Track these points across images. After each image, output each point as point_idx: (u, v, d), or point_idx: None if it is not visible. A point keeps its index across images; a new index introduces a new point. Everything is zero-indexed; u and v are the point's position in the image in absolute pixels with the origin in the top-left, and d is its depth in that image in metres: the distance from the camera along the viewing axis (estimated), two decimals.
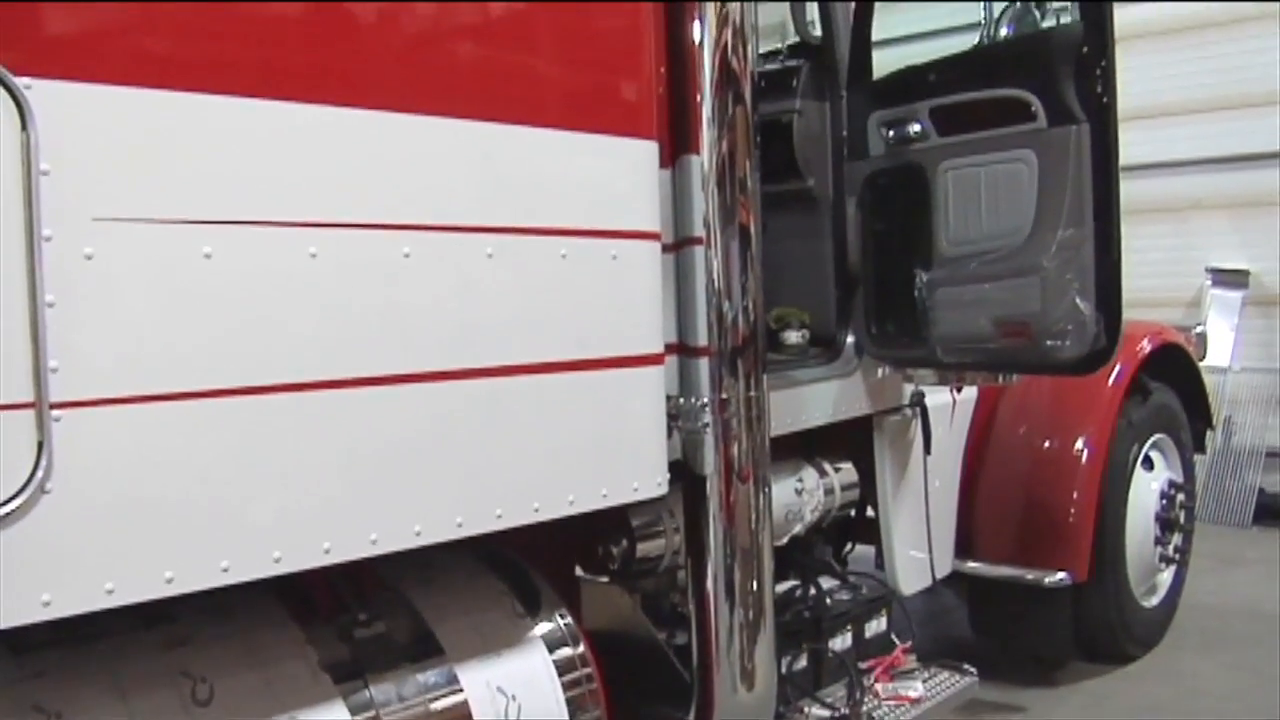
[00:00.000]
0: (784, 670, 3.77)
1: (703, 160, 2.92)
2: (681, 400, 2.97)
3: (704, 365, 2.95)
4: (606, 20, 2.70)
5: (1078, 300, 3.37)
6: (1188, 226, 9.11)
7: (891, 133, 3.87)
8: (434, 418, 2.35)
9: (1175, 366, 5.78)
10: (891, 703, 4.05)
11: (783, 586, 4.05)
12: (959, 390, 4.72)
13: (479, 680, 2.68)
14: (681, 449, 3.00)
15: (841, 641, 4.12)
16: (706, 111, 2.92)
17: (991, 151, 3.59)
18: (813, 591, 4.16)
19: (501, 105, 2.45)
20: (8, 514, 1.78)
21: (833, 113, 4.24)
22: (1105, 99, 3.31)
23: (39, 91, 1.81)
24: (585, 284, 2.62)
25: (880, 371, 4.18)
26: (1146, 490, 5.48)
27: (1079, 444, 5.06)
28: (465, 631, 2.76)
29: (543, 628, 2.89)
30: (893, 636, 4.34)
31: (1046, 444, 5.11)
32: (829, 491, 4.20)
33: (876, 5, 4.03)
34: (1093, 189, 3.34)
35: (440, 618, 2.75)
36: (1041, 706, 5.05)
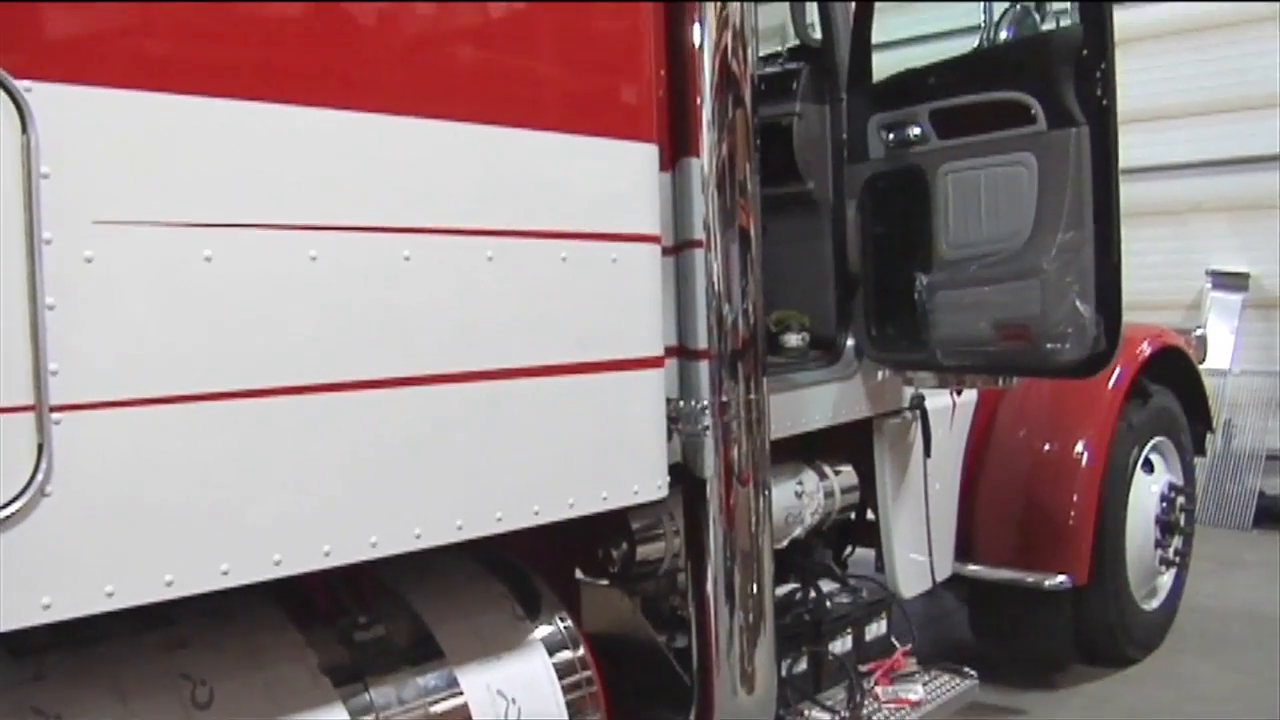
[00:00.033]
0: (784, 673, 3.77)
1: (703, 163, 2.92)
2: (681, 403, 2.97)
3: (704, 368, 2.95)
4: (606, 23, 2.71)
5: (1078, 303, 3.37)
6: (1188, 229, 9.10)
7: (891, 135, 3.87)
8: (434, 420, 2.35)
9: (1175, 369, 5.78)
10: (892, 706, 4.05)
11: (783, 589, 4.04)
12: (959, 393, 4.72)
13: (479, 683, 2.68)
14: (681, 452, 3.00)
15: (841, 644, 4.12)
16: (706, 114, 2.92)
17: (991, 154, 3.59)
18: (813, 594, 4.15)
19: (502, 108, 2.45)
20: (8, 517, 1.78)
21: (833, 115, 4.24)
22: (1105, 102, 3.32)
23: (39, 94, 1.81)
24: (585, 287, 2.62)
25: (880, 374, 4.18)
26: (1146, 493, 5.48)
27: (1079, 447, 5.06)
28: (465, 634, 2.75)
29: (543, 631, 2.89)
30: (893, 639, 4.34)
31: (1046, 447, 5.11)
32: (829, 494, 4.20)
33: (876, 8, 4.03)
34: (1093, 192, 3.34)
35: (440, 621, 2.75)
36: (1042, 709, 5.05)
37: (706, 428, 2.96)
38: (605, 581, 3.49)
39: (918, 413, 4.37)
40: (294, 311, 2.12)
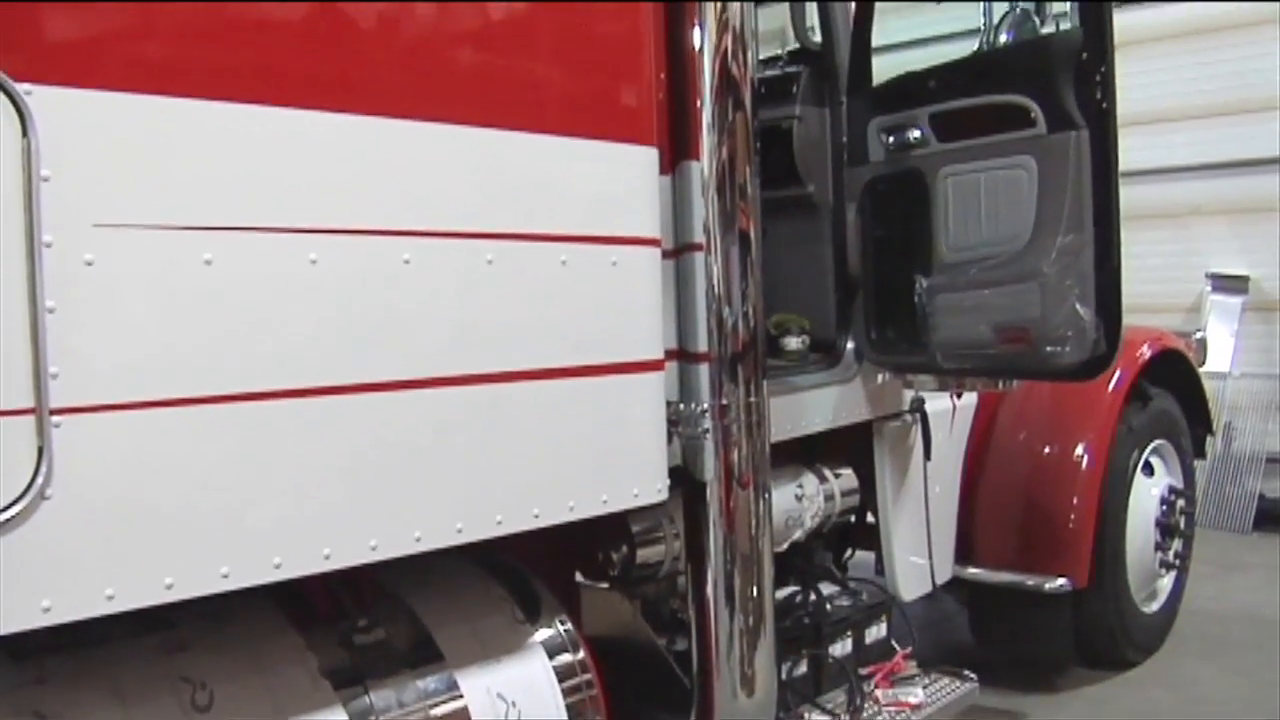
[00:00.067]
0: (784, 676, 3.77)
1: (703, 166, 2.93)
2: (682, 406, 2.97)
3: (704, 371, 2.95)
4: (606, 26, 2.71)
5: (1078, 306, 3.37)
6: (1187, 232, 9.10)
7: (891, 139, 3.87)
8: (434, 423, 2.35)
9: (1175, 372, 5.78)
10: (892, 709, 4.05)
11: (783, 592, 4.05)
12: (959, 396, 4.72)
13: (479, 686, 2.68)
14: (682, 455, 3.00)
15: (842, 647, 4.12)
16: (706, 117, 2.93)
17: (991, 157, 3.59)
18: (813, 597, 4.16)
19: (502, 111, 2.45)
20: (8, 520, 1.78)
21: (833, 118, 4.25)
22: (1105, 105, 3.32)
23: (39, 97, 1.81)
24: (585, 290, 2.62)
25: (880, 377, 4.18)
26: (1147, 496, 5.48)
27: (1079, 450, 5.06)
28: (465, 638, 2.76)
29: (543, 634, 2.89)
30: (893, 642, 4.34)
31: (1046, 450, 5.11)
32: (829, 497, 4.20)
33: (876, 11, 4.03)
34: (1092, 195, 3.34)
35: (440, 624, 2.75)
36: (1042, 712, 5.05)
37: (706, 431, 2.96)
38: (605, 584, 3.49)
39: (918, 416, 4.37)
40: (293, 314, 2.13)
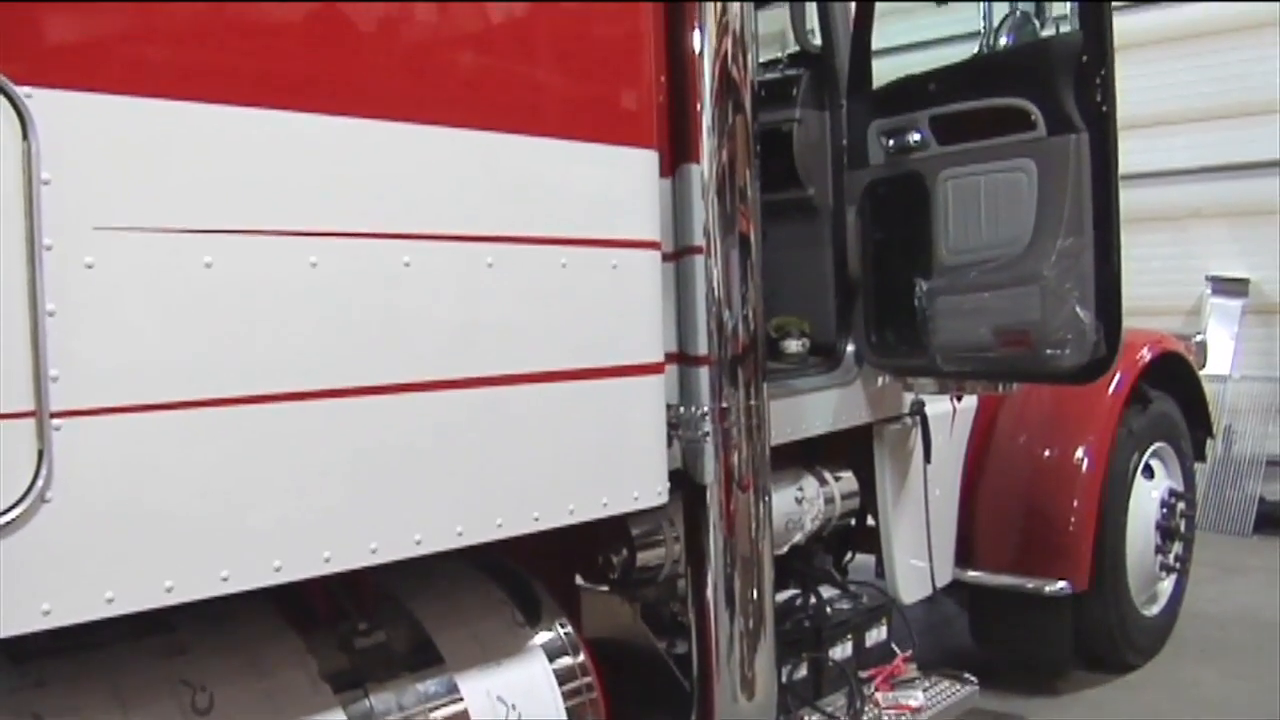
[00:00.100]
0: (784, 679, 3.77)
1: (703, 169, 2.93)
2: (682, 409, 2.97)
3: (704, 374, 2.96)
4: (607, 29, 2.71)
5: (1078, 309, 3.37)
6: (1187, 235, 9.10)
7: (891, 142, 3.88)
8: (434, 427, 2.35)
9: (1175, 375, 5.78)
10: (892, 712, 4.05)
11: (783, 595, 4.05)
12: (959, 399, 4.72)
13: (479, 689, 2.68)
14: (682, 458, 3.00)
15: (842, 650, 4.12)
16: (706, 120, 2.93)
17: (991, 160, 3.59)
18: (813, 600, 4.16)
19: (502, 114, 2.46)
20: (8, 523, 1.78)
21: (833, 121, 4.25)
22: (1105, 108, 3.32)
23: (40, 101, 1.81)
24: (585, 293, 2.62)
25: (880, 380, 4.18)
26: (1147, 499, 5.48)
27: (1079, 453, 5.06)
28: (465, 641, 2.75)
29: (543, 637, 2.89)
30: (893, 645, 4.34)
31: (1046, 453, 5.11)
32: (829, 500, 4.20)
33: (876, 14, 4.03)
34: (1092, 198, 3.34)
35: (440, 627, 2.75)
36: (1042, 715, 5.04)
37: (707, 434, 2.96)
38: (605, 587, 3.49)
39: (918, 419, 4.37)
40: (293, 317, 2.13)
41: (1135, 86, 7.80)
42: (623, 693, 3.03)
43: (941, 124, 3.74)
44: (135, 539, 1.93)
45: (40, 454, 1.81)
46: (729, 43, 2.94)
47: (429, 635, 2.72)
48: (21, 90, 1.79)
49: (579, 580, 3.57)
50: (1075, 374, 3.51)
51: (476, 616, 2.84)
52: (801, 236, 4.37)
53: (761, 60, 4.52)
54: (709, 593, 3.04)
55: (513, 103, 2.49)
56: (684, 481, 3.01)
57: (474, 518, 2.42)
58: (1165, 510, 5.54)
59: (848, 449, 4.28)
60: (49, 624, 1.84)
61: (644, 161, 2.77)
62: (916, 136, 3.80)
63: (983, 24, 4.08)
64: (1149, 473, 5.56)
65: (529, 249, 2.51)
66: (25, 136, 1.79)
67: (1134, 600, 5.40)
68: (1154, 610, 5.66)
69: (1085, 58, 3.34)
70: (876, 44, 4.07)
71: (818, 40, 4.49)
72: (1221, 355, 8.64)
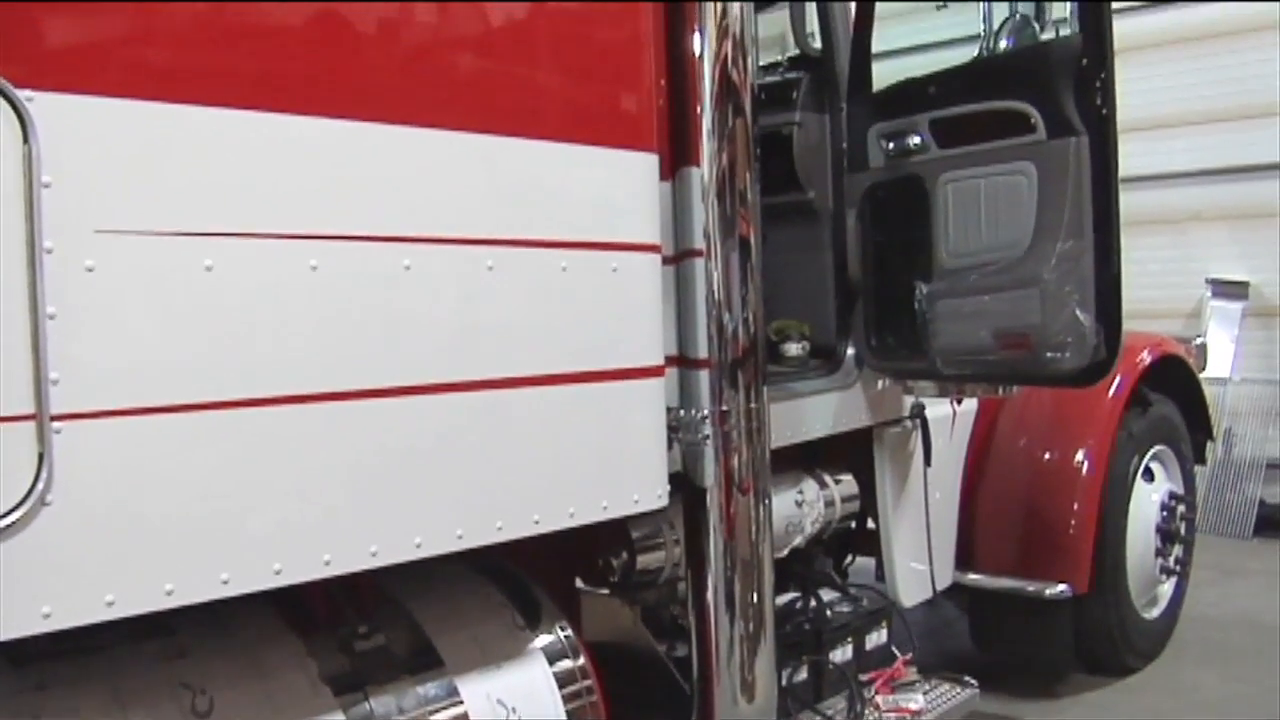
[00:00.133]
0: (784, 682, 3.76)
1: (703, 172, 2.93)
2: (682, 412, 2.97)
3: (704, 377, 2.96)
4: (607, 32, 2.71)
5: (1078, 312, 3.37)
6: (1187, 238, 9.11)
7: (891, 145, 3.87)
8: (434, 430, 2.35)
9: (1175, 378, 5.78)
10: (892, 715, 4.05)
11: (783, 598, 4.04)
12: (959, 402, 4.72)
13: (479, 692, 2.68)
14: (682, 461, 3.00)
15: (842, 653, 4.11)
16: (707, 123, 2.93)
17: (991, 163, 3.59)
18: (813, 603, 4.16)
19: (502, 117, 2.46)
20: (8, 526, 1.78)
21: (833, 125, 4.25)
22: (1105, 111, 3.32)
23: (41, 104, 1.81)
24: (586, 296, 2.62)
25: (880, 383, 4.18)
26: (1147, 502, 5.48)
27: (1079, 456, 5.06)
28: (465, 643, 2.75)
29: (543, 640, 2.89)
30: (893, 648, 4.34)
31: (1047, 456, 5.11)
32: (829, 503, 4.20)
33: (876, 18, 4.03)
34: (1092, 201, 3.34)
35: (440, 630, 2.75)
36: (1042, 718, 5.05)
37: (707, 437, 2.96)
38: (605, 590, 3.49)
39: (918, 422, 4.37)
40: (294, 320, 2.13)
41: (1135, 89, 7.81)
42: (623, 696, 3.03)
43: (941, 127, 3.74)
44: (135, 542, 1.93)
45: (40, 457, 1.81)
46: (729, 46, 2.94)
47: (429, 638, 2.72)
48: (22, 93, 1.79)
49: (579, 583, 3.57)
50: (1075, 377, 3.51)
51: (477, 619, 2.84)
52: (801, 239, 4.37)
53: (762, 63, 4.52)
54: (709, 596, 3.04)
55: (513, 106, 2.50)
56: (684, 484, 3.01)
57: (474, 520, 2.42)
58: (1165, 513, 5.55)
59: (848, 452, 4.28)
60: (49, 627, 1.84)
61: (644, 164, 2.77)
62: (916, 139, 3.79)
63: (983, 27, 4.08)
64: (1149, 476, 5.56)
65: (529, 252, 2.51)
66: (26, 139, 1.79)
67: (1134, 603, 5.40)
68: (1154, 613, 5.66)
69: (1085, 61, 3.34)
70: (876, 47, 4.07)
71: (818, 43, 4.49)
72: (1222, 358, 8.64)
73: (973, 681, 4.35)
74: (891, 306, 3.95)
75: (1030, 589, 4.95)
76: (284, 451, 2.12)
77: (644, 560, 3.33)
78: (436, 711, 2.61)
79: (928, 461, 4.41)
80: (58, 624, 1.85)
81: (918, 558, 4.50)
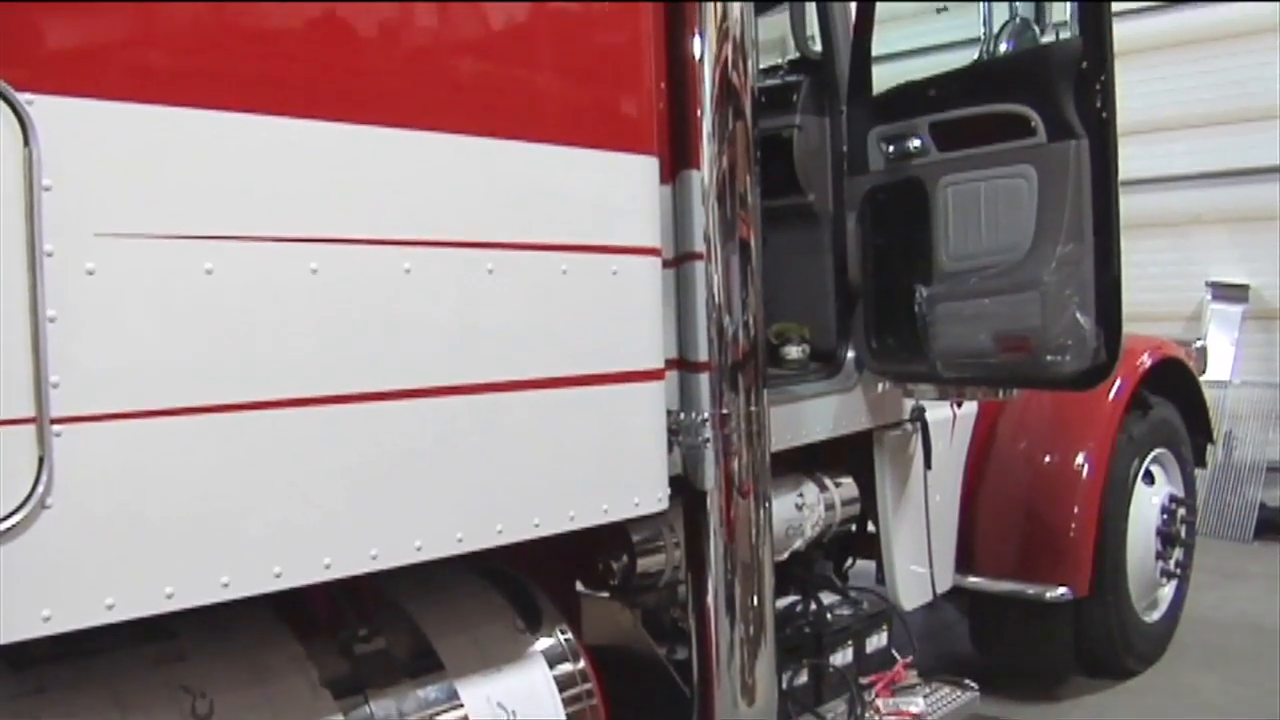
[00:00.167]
0: (784, 685, 3.76)
1: (703, 175, 2.93)
2: (682, 415, 2.97)
3: (704, 380, 2.95)
4: (607, 35, 2.71)
5: (1078, 315, 3.37)
6: (1187, 241, 9.12)
7: (891, 148, 3.88)
8: (435, 433, 2.35)
9: (1176, 381, 5.78)
10: (893, 718, 4.04)
11: (783, 602, 4.04)
12: (959, 405, 4.72)
13: (479, 696, 2.68)
14: (682, 464, 3.00)
15: (842, 657, 4.11)
16: (707, 127, 2.93)
17: (991, 166, 3.59)
18: (813, 607, 4.15)
19: (502, 120, 2.46)
20: (8, 529, 1.78)
21: (833, 128, 4.25)
22: (1105, 114, 3.32)
23: (41, 107, 1.81)
24: (586, 299, 2.62)
25: (880, 386, 4.18)
26: (1147, 505, 5.47)
27: (1079, 459, 5.06)
28: (465, 647, 2.75)
29: (543, 643, 2.89)
30: (893, 651, 4.33)
31: (1047, 459, 5.11)
32: (829, 506, 4.20)
33: (876, 21, 4.03)
34: (1092, 204, 3.34)
35: (440, 633, 2.75)
36: None
37: (707, 440, 2.96)
38: (605, 594, 3.49)
39: (918, 425, 4.37)
40: (294, 324, 2.13)
41: (1135, 92, 7.83)
42: (623, 699, 3.03)
43: (942, 130, 3.74)
44: (135, 545, 1.93)
45: (41, 460, 1.81)
46: (729, 49, 2.94)
47: (429, 641, 2.72)
48: (23, 97, 1.80)
49: (579, 586, 3.57)
50: (1075, 380, 3.50)
51: (477, 622, 2.84)
52: (802, 242, 4.37)
53: (762, 66, 4.52)
54: (709, 599, 3.04)
55: (513, 109, 2.50)
56: (684, 487, 3.01)
57: (474, 524, 2.42)
58: (1166, 516, 5.54)
59: (848, 455, 4.28)
60: (49, 630, 1.84)
61: (644, 167, 2.77)
62: (916, 142, 3.80)
63: (983, 30, 4.08)
64: (1149, 478, 5.56)
65: (529, 255, 2.51)
66: (26, 143, 1.80)
67: (1134, 606, 5.40)
68: (1154, 616, 5.66)
69: (1085, 64, 3.34)
70: (877, 50, 4.07)
71: (818, 46, 4.49)
72: (1222, 361, 8.65)
73: (973, 684, 4.35)
74: (892, 309, 3.95)
75: (1030, 592, 4.94)
76: (284, 454, 2.12)
77: (644, 563, 3.33)
78: (437, 714, 2.61)
79: (928, 464, 4.41)
80: (57, 627, 1.85)
81: (918, 561, 4.50)
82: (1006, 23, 3.92)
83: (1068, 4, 3.55)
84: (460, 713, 2.63)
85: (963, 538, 4.91)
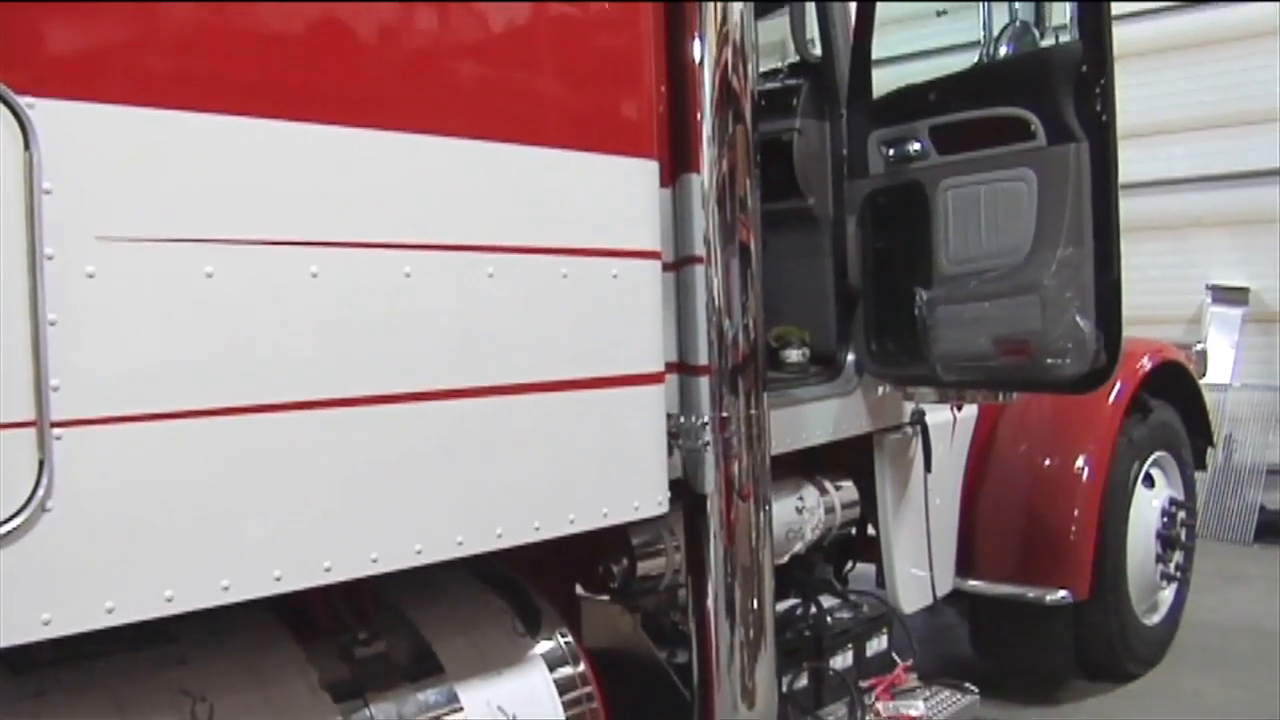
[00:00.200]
0: (785, 689, 3.77)
1: (703, 179, 2.93)
2: (682, 419, 2.97)
3: (704, 384, 2.95)
4: (607, 39, 2.71)
5: (1078, 318, 3.37)
6: (1187, 244, 9.12)
7: (891, 151, 3.88)
8: (435, 436, 2.35)
9: (1176, 384, 5.78)
10: None
11: (783, 605, 4.04)
12: (959, 408, 4.72)
13: (479, 699, 2.67)
14: (682, 467, 3.00)
15: (842, 660, 4.11)
16: (707, 130, 2.93)
17: (991, 170, 3.59)
18: (813, 610, 4.15)
19: (502, 124, 2.46)
20: (8, 532, 1.78)
21: (833, 131, 4.25)
22: (1104, 117, 3.32)
23: (42, 111, 1.81)
24: (586, 303, 2.63)
25: (880, 390, 4.18)
26: (1147, 508, 5.47)
27: (1079, 462, 5.06)
28: (465, 650, 2.75)
29: (543, 646, 2.89)
30: (894, 655, 4.33)
31: (1047, 462, 5.11)
32: (829, 510, 4.20)
33: (876, 24, 4.03)
34: (1092, 207, 3.34)
35: (440, 636, 2.75)
36: None
37: (707, 443, 2.96)
38: (606, 597, 3.48)
39: (918, 428, 4.37)
40: (295, 327, 2.13)
41: (1135, 95, 7.83)
42: (623, 702, 3.03)
43: (941, 133, 3.74)
44: (136, 548, 1.93)
45: (41, 464, 1.81)
46: (729, 52, 2.95)
47: (429, 644, 2.72)
48: (23, 100, 1.80)
49: (579, 590, 3.57)
50: (1076, 383, 3.50)
51: (477, 626, 2.84)
52: (802, 246, 4.37)
53: (761, 70, 4.52)
54: (709, 602, 3.04)
55: (513, 112, 2.50)
56: (684, 491, 3.01)
57: (474, 527, 2.42)
58: (1166, 519, 5.54)
59: (848, 458, 4.28)
60: (49, 634, 1.84)
61: (644, 171, 2.77)
62: (916, 146, 3.80)
63: (982, 33, 4.08)
64: (1149, 482, 5.56)
65: (530, 259, 2.51)
66: (27, 146, 1.80)
67: (1135, 609, 5.39)
68: (1155, 619, 5.65)
69: (1085, 67, 3.34)
70: (876, 53, 4.07)
71: (818, 50, 4.50)
72: (1222, 364, 8.66)
73: (973, 688, 4.35)
74: (892, 313, 3.95)
75: (1030, 595, 4.94)
76: (284, 457, 2.12)
77: (644, 567, 3.33)
78: (437, 718, 2.61)
79: (928, 468, 4.42)
80: (58, 631, 1.85)
81: (918, 564, 4.50)
82: (1006, 26, 3.92)
83: (1067, 7, 3.55)
84: (460, 716, 2.63)
85: (963, 541, 4.91)
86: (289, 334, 2.12)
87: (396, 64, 2.31)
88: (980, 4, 4.01)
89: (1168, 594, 5.73)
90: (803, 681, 3.96)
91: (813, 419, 3.92)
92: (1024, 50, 3.85)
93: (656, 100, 2.85)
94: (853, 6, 4.13)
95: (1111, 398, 5.13)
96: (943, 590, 4.72)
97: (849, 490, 4.32)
